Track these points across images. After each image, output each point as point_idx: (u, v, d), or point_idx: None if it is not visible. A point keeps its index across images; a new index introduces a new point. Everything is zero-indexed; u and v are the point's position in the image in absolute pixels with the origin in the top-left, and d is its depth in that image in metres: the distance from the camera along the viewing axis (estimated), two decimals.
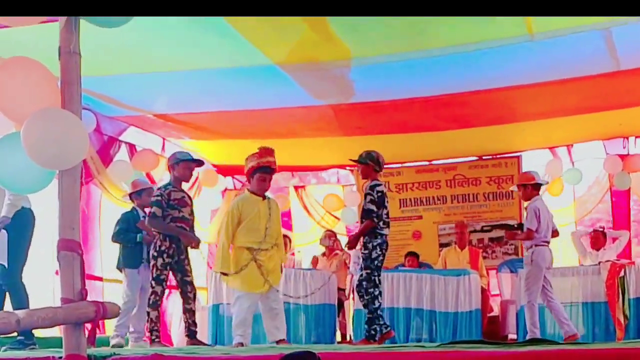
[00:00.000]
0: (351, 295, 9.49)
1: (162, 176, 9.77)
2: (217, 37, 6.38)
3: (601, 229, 9.59)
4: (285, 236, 10.31)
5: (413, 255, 9.90)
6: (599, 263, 8.41)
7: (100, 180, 8.57)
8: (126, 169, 8.95)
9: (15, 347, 5.56)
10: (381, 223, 6.66)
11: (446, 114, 8.85)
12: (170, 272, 6.71)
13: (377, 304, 6.63)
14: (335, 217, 11.64)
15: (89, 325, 3.28)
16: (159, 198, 6.61)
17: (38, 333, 5.94)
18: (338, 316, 9.36)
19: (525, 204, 7.78)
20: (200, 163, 6.98)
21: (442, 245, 10.69)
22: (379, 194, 6.67)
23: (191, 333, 6.72)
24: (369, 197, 6.67)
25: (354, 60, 7.08)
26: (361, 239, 6.73)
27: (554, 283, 7.58)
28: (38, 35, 5.00)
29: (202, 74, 7.34)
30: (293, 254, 10.33)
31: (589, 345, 4.78)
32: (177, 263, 6.68)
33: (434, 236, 11.03)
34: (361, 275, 6.72)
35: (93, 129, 8.24)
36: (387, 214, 6.75)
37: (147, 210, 7.14)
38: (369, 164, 6.77)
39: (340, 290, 9.63)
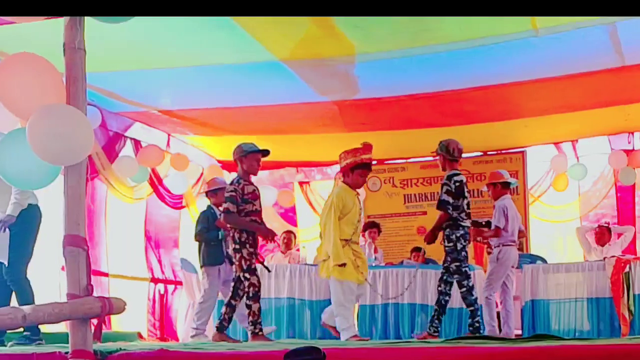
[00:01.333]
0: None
1: (167, 172, 9.80)
2: (222, 34, 6.38)
3: (606, 225, 9.58)
4: (289, 232, 10.35)
5: (418, 250, 9.91)
6: (604, 259, 8.40)
7: (105, 176, 8.58)
8: (131, 164, 8.96)
9: (21, 343, 5.57)
10: (463, 214, 6.61)
11: (451, 110, 8.84)
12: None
13: (475, 295, 6.66)
14: None
15: (95, 321, 3.29)
16: (234, 194, 6.49)
17: (44, 328, 5.95)
18: None
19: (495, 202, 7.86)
20: (266, 153, 6.75)
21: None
22: (457, 184, 6.61)
23: (221, 327, 6.63)
24: (445, 188, 6.62)
25: (358, 56, 7.07)
26: (441, 232, 6.73)
27: (559, 279, 7.60)
28: (43, 32, 5.00)
29: (206, 70, 7.34)
30: (298, 249, 10.33)
31: (594, 341, 4.79)
32: (255, 255, 6.58)
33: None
34: (449, 268, 6.71)
35: (98, 125, 8.25)
36: (468, 204, 6.69)
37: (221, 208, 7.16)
38: (443, 154, 6.75)
39: None
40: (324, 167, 11.85)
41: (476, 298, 6.74)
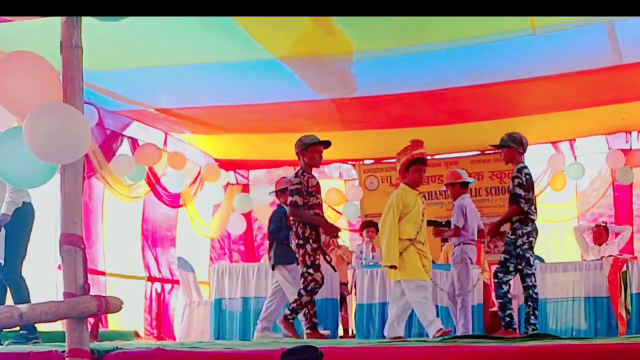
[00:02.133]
0: (353, 290, 9.48)
1: (164, 170, 9.79)
2: (219, 32, 6.37)
3: (604, 224, 9.58)
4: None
5: None
6: (602, 258, 8.41)
7: (102, 174, 8.57)
8: (128, 163, 8.95)
9: (18, 342, 5.56)
10: (532, 208, 6.51)
11: (448, 108, 8.84)
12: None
13: (505, 288, 6.52)
14: (337, 212, 11.63)
15: (91, 320, 3.29)
16: (299, 186, 6.45)
17: (41, 327, 5.95)
18: (340, 311, 9.36)
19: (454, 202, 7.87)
20: (327, 144, 6.73)
21: (444, 240, 10.67)
22: (527, 177, 6.54)
23: (312, 326, 6.61)
24: (516, 181, 6.50)
25: (356, 55, 7.07)
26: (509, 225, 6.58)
27: (557, 278, 7.61)
28: (40, 30, 4.99)
29: (204, 68, 7.34)
30: None
31: (591, 340, 4.79)
32: (319, 250, 6.53)
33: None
34: (499, 259, 6.61)
35: (95, 123, 8.23)
36: (535, 198, 6.59)
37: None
38: (512, 147, 6.66)
39: (342, 284, 9.62)
40: (321, 166, 11.83)
41: (506, 292, 6.58)
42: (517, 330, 6.66)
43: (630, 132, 10.21)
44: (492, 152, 10.88)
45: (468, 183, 7.85)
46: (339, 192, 11.50)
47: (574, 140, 10.59)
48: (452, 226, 7.60)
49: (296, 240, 6.50)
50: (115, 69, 7.24)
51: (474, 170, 10.89)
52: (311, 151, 6.61)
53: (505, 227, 6.79)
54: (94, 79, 7.09)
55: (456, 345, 3.93)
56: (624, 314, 7.77)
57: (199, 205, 10.68)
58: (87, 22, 3.39)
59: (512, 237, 6.51)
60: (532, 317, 6.54)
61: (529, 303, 6.57)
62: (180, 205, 10.25)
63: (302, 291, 6.45)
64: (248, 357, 3.52)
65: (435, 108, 8.81)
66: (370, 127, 9.48)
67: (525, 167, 6.60)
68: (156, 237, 9.97)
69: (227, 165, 11.37)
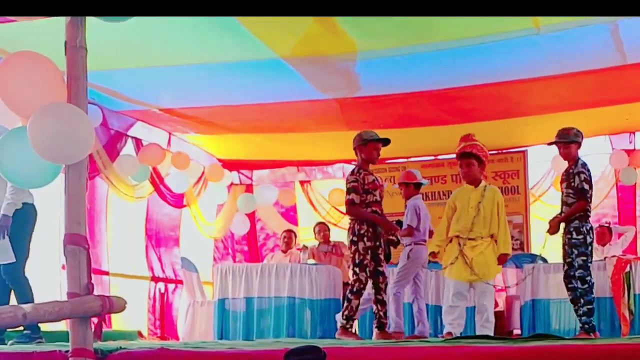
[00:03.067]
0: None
1: (168, 170, 9.81)
2: (223, 31, 6.37)
3: (607, 225, 9.57)
4: (290, 231, 10.34)
5: None
6: (605, 258, 8.39)
7: (106, 174, 8.58)
8: (132, 163, 8.97)
9: (21, 341, 5.57)
10: (590, 205, 6.42)
11: (452, 108, 8.84)
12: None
13: (594, 294, 6.39)
14: (341, 212, 11.62)
15: (95, 320, 3.29)
16: (355, 184, 6.39)
17: (44, 327, 5.96)
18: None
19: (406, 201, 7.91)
20: (386, 142, 6.67)
21: None
22: (590, 173, 6.40)
23: (381, 325, 6.52)
24: (582, 176, 6.32)
25: (359, 54, 7.07)
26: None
27: (560, 279, 7.57)
28: (44, 30, 5.00)
29: (207, 68, 7.34)
30: (299, 249, 10.33)
31: (594, 341, 4.78)
32: (374, 249, 6.41)
33: None
34: (573, 263, 6.36)
35: (99, 124, 8.25)
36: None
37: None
38: (579, 142, 6.49)
39: (345, 284, 9.63)
40: (325, 166, 11.85)
41: (594, 297, 6.47)
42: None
43: (633, 133, 10.20)
44: (495, 152, 10.89)
45: (421, 184, 7.89)
46: (343, 192, 11.46)
47: None
48: (405, 226, 7.60)
49: (350, 237, 6.43)
50: (120, 69, 7.25)
51: None
52: (370, 148, 6.56)
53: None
54: (98, 79, 7.09)
55: (459, 345, 3.93)
56: (627, 314, 7.75)
57: (202, 206, 10.69)
58: (91, 22, 3.39)
59: (580, 237, 6.32)
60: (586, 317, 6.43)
61: (579, 304, 6.47)
62: (184, 206, 10.26)
63: (349, 295, 6.39)
64: (251, 357, 3.53)
65: (438, 108, 8.81)
66: (373, 127, 9.43)
67: (586, 163, 6.43)
68: (160, 237, 9.98)
69: (230, 165, 11.38)
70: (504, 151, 10.87)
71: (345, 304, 6.41)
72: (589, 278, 6.39)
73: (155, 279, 9.67)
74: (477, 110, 8.90)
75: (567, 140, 6.46)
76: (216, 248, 11.31)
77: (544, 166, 10.95)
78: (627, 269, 7.92)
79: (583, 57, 7.20)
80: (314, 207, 11.81)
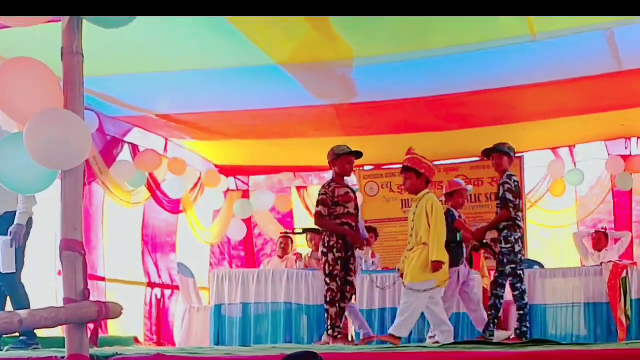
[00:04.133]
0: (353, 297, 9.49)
1: (165, 176, 9.81)
2: (220, 37, 6.38)
3: (603, 230, 9.58)
4: (286, 237, 10.33)
5: None
6: (601, 264, 8.40)
7: (103, 180, 8.58)
8: (129, 169, 8.96)
9: (17, 347, 5.55)
10: (519, 214, 6.57)
11: (448, 114, 8.85)
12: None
13: (526, 299, 6.59)
14: None
15: (91, 325, 3.28)
16: (324, 197, 6.63)
17: (40, 333, 5.95)
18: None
19: None
20: (358, 155, 6.85)
21: None
22: (516, 184, 6.60)
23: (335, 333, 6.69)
24: (506, 186, 6.56)
25: (356, 60, 7.08)
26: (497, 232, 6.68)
27: (556, 284, 7.62)
28: (40, 36, 5.01)
29: (204, 74, 7.35)
30: (295, 254, 10.33)
31: (590, 346, 4.79)
32: (344, 260, 6.64)
33: None
34: (503, 271, 6.60)
35: (96, 129, 8.24)
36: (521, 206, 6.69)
37: (458, 211, 7.42)
38: (510, 155, 6.78)
39: None
40: (321, 172, 11.84)
41: (527, 302, 6.68)
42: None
43: (629, 138, 10.22)
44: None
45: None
46: None
47: (574, 146, 10.60)
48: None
49: (321, 248, 6.69)
50: (116, 75, 7.25)
51: (474, 176, 10.89)
52: (342, 161, 6.77)
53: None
54: (95, 85, 7.10)
55: (456, 351, 3.93)
56: (623, 319, 7.76)
57: (199, 211, 10.68)
58: (88, 28, 3.39)
59: (508, 246, 6.57)
60: (492, 325, 6.74)
61: (492, 311, 6.77)
62: (181, 211, 10.26)
63: (325, 306, 6.63)
64: None
65: (435, 114, 8.82)
66: (370, 133, 9.49)
67: (514, 175, 6.68)
68: (156, 242, 9.97)
69: (227, 171, 11.38)
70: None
71: (326, 315, 6.61)
72: (519, 285, 6.60)
73: (151, 285, 9.65)
74: (473, 116, 8.92)
75: (499, 151, 6.80)
76: (212, 254, 11.30)
77: (540, 172, 10.97)
78: (624, 274, 7.94)
79: (579, 64, 7.23)
80: (310, 213, 11.79)
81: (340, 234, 6.59)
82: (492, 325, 6.78)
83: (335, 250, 6.57)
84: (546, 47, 6.73)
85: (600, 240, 9.35)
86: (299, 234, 8.51)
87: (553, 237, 10.89)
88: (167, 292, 9.96)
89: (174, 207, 10.08)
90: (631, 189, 10.22)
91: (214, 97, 8.17)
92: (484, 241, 7.51)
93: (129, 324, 8.89)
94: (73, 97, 3.30)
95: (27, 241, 5.76)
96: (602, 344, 6.16)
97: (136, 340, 8.82)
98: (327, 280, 6.57)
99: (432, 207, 6.37)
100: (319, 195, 6.73)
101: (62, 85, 3.35)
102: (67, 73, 3.32)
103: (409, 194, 6.70)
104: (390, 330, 6.31)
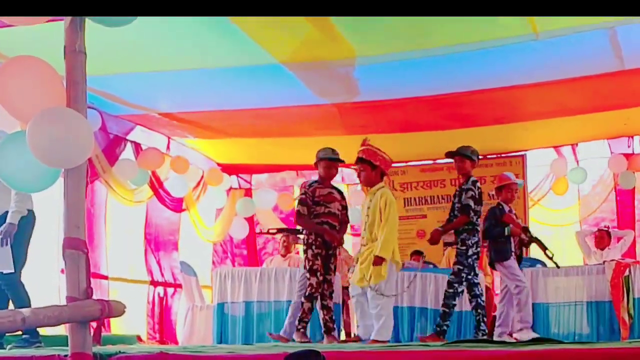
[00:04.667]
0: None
1: (167, 175, 9.81)
2: (222, 36, 6.39)
3: (606, 229, 9.57)
4: (288, 235, 10.34)
5: (418, 254, 9.91)
6: (604, 262, 8.40)
7: (105, 178, 8.59)
8: (131, 167, 8.97)
9: (20, 346, 5.57)
10: (478, 221, 6.62)
11: (451, 113, 8.85)
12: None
13: (456, 301, 6.63)
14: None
15: (94, 324, 3.29)
16: (304, 196, 6.76)
17: (43, 331, 5.95)
18: (342, 315, 9.36)
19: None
20: (334, 160, 6.88)
21: (446, 245, 10.67)
22: (479, 191, 6.64)
23: (327, 329, 6.78)
24: (470, 193, 6.60)
25: (358, 59, 7.08)
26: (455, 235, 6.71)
27: (559, 282, 7.61)
28: (43, 34, 5.02)
29: (207, 72, 7.35)
30: (297, 252, 10.33)
31: (593, 345, 4.78)
32: (324, 257, 6.71)
33: None
34: (453, 269, 6.69)
35: (98, 128, 8.25)
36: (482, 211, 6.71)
37: (509, 205, 7.32)
38: (473, 160, 6.74)
39: (345, 289, 9.63)
40: None
41: (455, 304, 6.72)
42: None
43: (632, 137, 10.22)
44: (494, 156, 10.90)
45: None
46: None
47: (576, 144, 10.60)
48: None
49: (303, 246, 6.80)
50: (119, 74, 7.26)
51: (476, 174, 10.81)
52: (322, 165, 6.86)
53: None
54: (98, 83, 7.11)
55: (459, 349, 3.93)
56: (626, 318, 7.75)
57: (201, 210, 10.69)
58: (91, 27, 3.40)
59: (463, 248, 6.63)
60: (483, 323, 6.76)
61: (479, 311, 6.81)
62: (183, 210, 10.27)
63: (302, 299, 6.75)
64: None
65: (437, 113, 8.82)
66: (372, 132, 9.47)
67: (477, 181, 6.71)
68: (159, 241, 9.98)
69: (229, 169, 11.38)
70: (502, 155, 10.89)
71: (301, 307, 6.72)
72: (456, 285, 6.63)
73: (154, 283, 9.66)
74: (476, 115, 8.92)
75: (462, 154, 6.76)
76: (215, 252, 11.31)
77: (542, 170, 10.97)
78: (626, 272, 7.93)
79: (581, 63, 7.22)
80: None
81: (318, 232, 6.66)
82: (482, 324, 6.78)
83: (314, 247, 6.66)
84: (548, 46, 6.73)
85: (602, 238, 9.34)
86: (273, 233, 8.52)
87: (555, 235, 10.88)
88: (170, 290, 9.97)
89: (177, 205, 10.09)
90: (634, 187, 10.22)
91: (216, 96, 8.18)
92: (534, 236, 7.47)
93: (132, 323, 8.90)
94: (76, 96, 3.30)
95: (29, 239, 5.77)
96: (604, 343, 6.16)
97: (139, 338, 8.83)
98: (308, 275, 6.65)
99: (385, 203, 6.24)
100: (299, 194, 6.88)
101: (64, 84, 3.35)
102: (70, 72, 3.32)
103: (364, 186, 6.66)
104: (373, 337, 6.26)
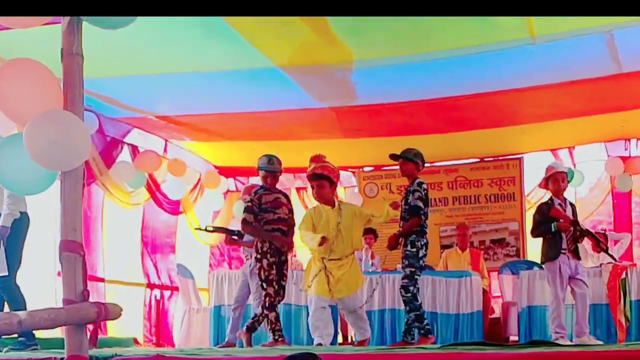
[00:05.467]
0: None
1: (164, 177, 9.81)
2: (220, 40, 6.39)
3: (603, 231, 9.57)
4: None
5: None
6: (601, 265, 8.40)
7: (102, 181, 8.58)
8: (128, 170, 8.96)
9: (16, 348, 5.56)
10: (427, 222, 6.58)
11: (448, 117, 8.86)
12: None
13: (420, 300, 6.55)
14: None
15: (91, 326, 3.29)
16: (250, 204, 6.69)
17: (39, 334, 5.95)
18: (339, 317, 9.35)
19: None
20: (271, 170, 6.90)
21: (443, 247, 10.69)
22: (426, 192, 6.59)
23: (250, 328, 6.92)
24: (416, 194, 6.53)
25: (356, 63, 7.09)
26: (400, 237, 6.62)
27: None
28: (40, 37, 5.01)
29: (204, 76, 7.35)
30: (295, 255, 10.33)
31: (590, 347, 4.79)
32: (277, 264, 6.68)
33: (435, 238, 10.98)
34: (405, 273, 6.56)
35: (95, 131, 8.25)
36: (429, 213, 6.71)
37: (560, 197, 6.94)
38: (417, 162, 6.67)
39: None
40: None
41: (420, 304, 6.59)
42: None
43: (629, 140, 10.23)
44: (491, 159, 10.92)
45: None
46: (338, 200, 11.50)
47: (573, 147, 10.60)
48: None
49: (255, 254, 6.70)
50: (116, 77, 7.25)
51: (474, 177, 10.92)
52: (261, 174, 6.92)
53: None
54: (95, 86, 7.10)
55: (456, 352, 3.93)
56: (623, 321, 7.76)
57: (198, 212, 10.68)
58: (88, 30, 3.39)
59: (413, 249, 6.54)
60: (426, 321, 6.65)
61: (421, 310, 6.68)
62: (180, 212, 10.25)
63: (264, 311, 6.64)
64: None
65: (434, 116, 8.83)
66: (370, 135, 9.50)
67: (424, 182, 6.64)
68: (156, 243, 9.98)
69: (227, 172, 11.38)
70: (499, 158, 10.90)
71: (266, 320, 6.64)
72: (411, 288, 6.50)
73: (150, 286, 9.65)
74: (473, 118, 8.93)
75: (406, 157, 6.69)
76: (212, 255, 11.30)
77: (539, 173, 10.94)
78: (623, 275, 7.94)
79: (579, 67, 7.23)
80: None
81: (268, 239, 6.62)
82: (413, 328, 6.59)
83: (268, 256, 6.60)
84: (546, 50, 6.73)
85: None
86: (210, 231, 8.45)
87: None
88: (167, 293, 9.96)
89: (174, 208, 10.08)
90: (630, 190, 10.23)
91: (214, 99, 8.18)
92: (584, 228, 7.09)
93: (129, 325, 8.88)
94: (73, 98, 3.30)
95: (23, 242, 5.76)
96: (601, 345, 6.16)
97: (135, 341, 8.82)
98: (264, 285, 6.58)
99: (357, 209, 6.83)
100: (245, 202, 6.80)
101: (61, 87, 3.35)
102: (67, 74, 3.32)
103: (320, 202, 6.59)
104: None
